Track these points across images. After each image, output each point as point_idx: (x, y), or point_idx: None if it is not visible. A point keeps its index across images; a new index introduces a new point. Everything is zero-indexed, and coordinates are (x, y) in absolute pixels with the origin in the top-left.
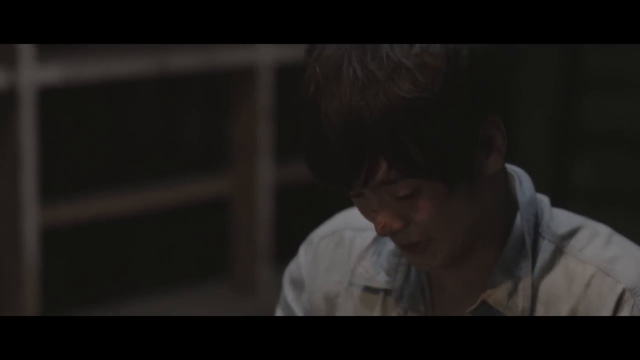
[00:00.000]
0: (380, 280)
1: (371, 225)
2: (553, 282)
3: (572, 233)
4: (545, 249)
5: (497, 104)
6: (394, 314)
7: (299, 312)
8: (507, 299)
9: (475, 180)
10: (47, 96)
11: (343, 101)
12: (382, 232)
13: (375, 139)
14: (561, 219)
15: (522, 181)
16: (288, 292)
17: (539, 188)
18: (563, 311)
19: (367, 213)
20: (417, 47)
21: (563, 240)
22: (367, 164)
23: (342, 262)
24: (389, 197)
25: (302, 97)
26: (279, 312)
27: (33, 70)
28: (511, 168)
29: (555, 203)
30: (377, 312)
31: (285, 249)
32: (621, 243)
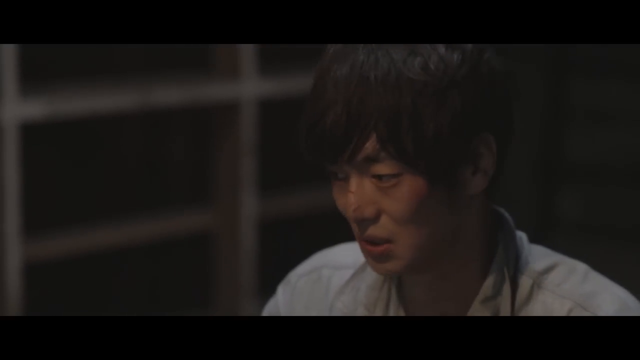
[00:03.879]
0: (359, 314)
1: (349, 263)
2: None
3: (550, 269)
4: (524, 284)
5: (495, 126)
6: None
7: None
8: None
9: (456, 190)
10: (31, 131)
11: (354, 68)
12: (354, 215)
13: (374, 111)
14: (539, 256)
15: (503, 218)
16: None
17: (523, 220)
18: None
19: (344, 198)
20: (441, 45)
21: (541, 276)
22: (359, 135)
23: (320, 300)
24: (369, 179)
25: (316, 70)
26: None
27: (16, 105)
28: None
29: (539, 235)
30: None
31: (269, 283)
32: (598, 279)
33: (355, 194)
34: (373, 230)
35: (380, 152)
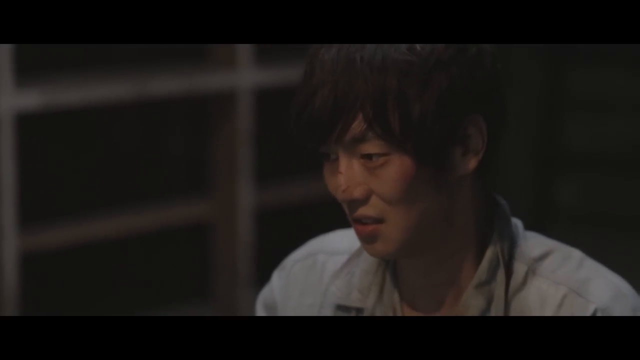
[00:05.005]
0: (353, 298)
1: (344, 249)
2: (526, 302)
3: (545, 256)
4: (518, 270)
5: (484, 107)
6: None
7: None
8: None
9: (445, 171)
10: (26, 122)
11: (341, 51)
12: (343, 195)
13: (360, 91)
14: (534, 242)
15: (498, 205)
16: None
17: (521, 208)
18: None
19: (334, 179)
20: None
21: (536, 263)
22: (346, 116)
23: (315, 286)
24: (357, 159)
25: (306, 57)
26: None
27: (12, 96)
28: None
29: (538, 224)
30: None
31: (267, 272)
32: (593, 266)
33: (345, 174)
34: (363, 210)
35: (368, 132)
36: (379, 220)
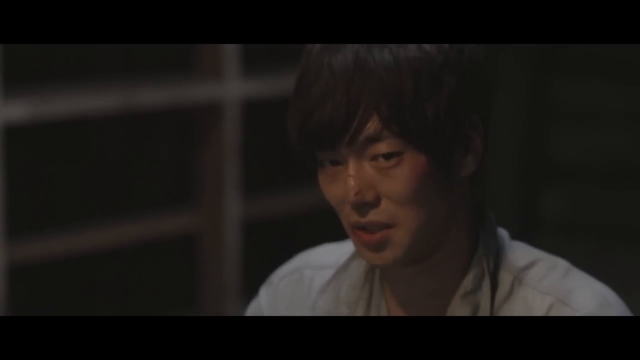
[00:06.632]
0: (341, 313)
1: (330, 263)
2: (512, 312)
3: (531, 265)
4: (504, 280)
5: (482, 109)
6: None
7: None
8: None
9: (451, 171)
10: (14, 133)
11: (349, 54)
12: (355, 198)
13: (375, 90)
14: (520, 252)
15: (484, 215)
16: None
17: (507, 219)
18: None
19: (335, 187)
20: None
21: (522, 272)
22: (360, 117)
23: (302, 300)
24: (367, 162)
25: (301, 63)
26: None
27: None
28: None
29: (523, 234)
30: None
31: (254, 283)
32: (579, 275)
33: (355, 177)
34: (373, 216)
35: (383, 131)
36: (389, 226)
